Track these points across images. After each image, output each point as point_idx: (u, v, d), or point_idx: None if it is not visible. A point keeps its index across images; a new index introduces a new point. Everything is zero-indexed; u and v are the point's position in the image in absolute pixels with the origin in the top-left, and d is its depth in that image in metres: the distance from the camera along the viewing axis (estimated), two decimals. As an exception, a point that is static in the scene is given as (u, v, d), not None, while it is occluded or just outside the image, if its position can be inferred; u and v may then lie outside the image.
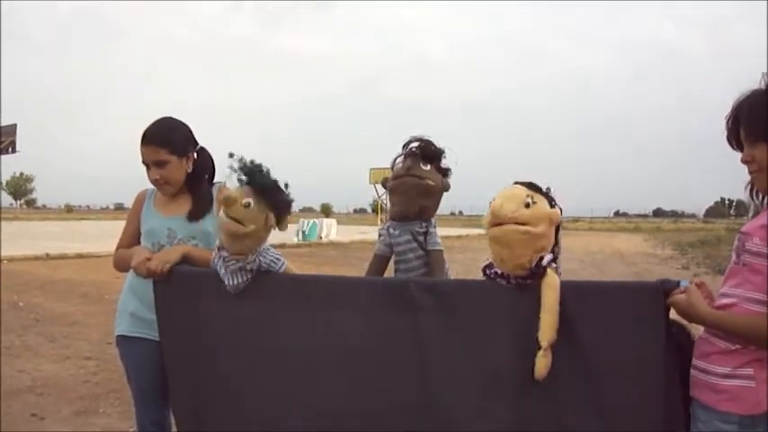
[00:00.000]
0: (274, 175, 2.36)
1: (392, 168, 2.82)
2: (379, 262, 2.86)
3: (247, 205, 2.28)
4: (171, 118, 2.82)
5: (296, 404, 2.34)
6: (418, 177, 2.71)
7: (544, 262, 1.99)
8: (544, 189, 2.10)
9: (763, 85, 1.87)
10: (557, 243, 2.12)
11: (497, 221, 1.99)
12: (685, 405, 1.95)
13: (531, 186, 2.07)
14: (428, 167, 2.73)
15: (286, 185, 2.40)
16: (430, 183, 2.72)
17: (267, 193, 2.33)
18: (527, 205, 1.99)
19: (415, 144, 2.77)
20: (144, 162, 2.74)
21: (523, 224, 1.97)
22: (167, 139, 2.72)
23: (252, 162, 2.36)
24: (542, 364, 1.93)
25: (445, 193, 2.86)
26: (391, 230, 2.81)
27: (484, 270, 2.13)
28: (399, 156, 2.81)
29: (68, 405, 5.02)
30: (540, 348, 1.92)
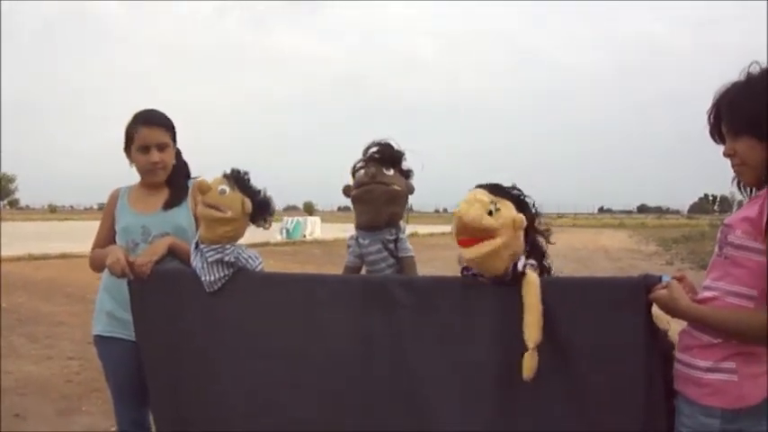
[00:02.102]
0: (258, 174, 2.42)
1: (353, 176, 2.72)
2: (351, 273, 2.78)
3: (222, 192, 2.33)
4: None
5: (275, 401, 2.32)
6: (384, 184, 2.60)
7: (519, 267, 1.98)
8: (510, 187, 2.06)
9: (743, 78, 1.86)
10: (538, 244, 2.12)
11: (462, 231, 1.96)
12: (668, 399, 1.95)
13: (495, 189, 2.03)
14: (391, 172, 2.64)
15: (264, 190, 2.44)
16: (396, 188, 2.63)
17: (241, 182, 2.37)
18: (489, 212, 1.95)
19: (375, 149, 2.66)
20: (144, 145, 2.70)
21: (488, 238, 1.93)
22: (168, 123, 2.77)
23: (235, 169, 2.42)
24: (529, 364, 1.90)
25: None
26: (360, 240, 2.72)
27: (462, 271, 2.12)
28: (359, 162, 2.70)
29: (51, 405, 5.01)
30: (526, 350, 1.90)
